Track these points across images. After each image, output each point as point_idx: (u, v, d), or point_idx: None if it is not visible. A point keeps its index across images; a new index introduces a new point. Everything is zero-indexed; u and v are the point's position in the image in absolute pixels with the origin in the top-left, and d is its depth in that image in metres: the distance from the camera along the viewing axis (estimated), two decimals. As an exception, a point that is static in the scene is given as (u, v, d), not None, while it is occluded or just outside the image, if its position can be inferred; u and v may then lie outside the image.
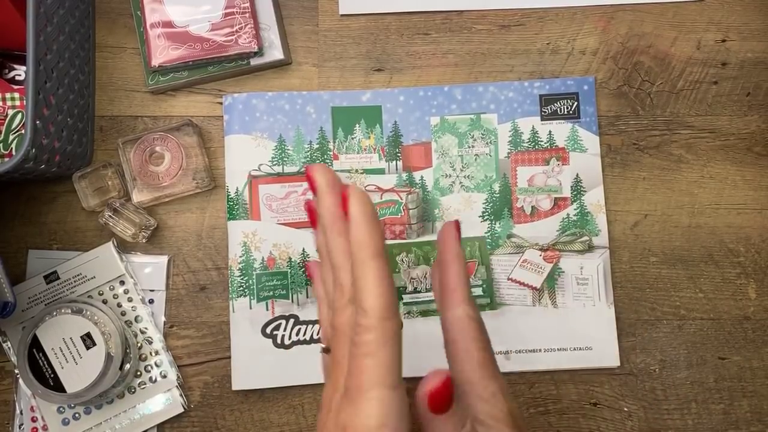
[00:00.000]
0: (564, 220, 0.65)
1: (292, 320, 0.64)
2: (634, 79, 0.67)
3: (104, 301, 0.64)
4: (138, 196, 0.64)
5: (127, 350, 0.61)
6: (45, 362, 0.59)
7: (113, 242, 0.64)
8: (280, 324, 0.64)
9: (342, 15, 0.67)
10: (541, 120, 0.66)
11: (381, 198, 0.65)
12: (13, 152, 0.62)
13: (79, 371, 0.59)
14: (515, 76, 0.67)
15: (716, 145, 0.66)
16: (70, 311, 0.60)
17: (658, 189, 0.66)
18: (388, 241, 0.64)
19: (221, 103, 0.66)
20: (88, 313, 0.60)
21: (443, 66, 0.67)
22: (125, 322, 0.64)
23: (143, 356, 0.64)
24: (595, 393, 0.64)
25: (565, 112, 0.65)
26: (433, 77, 0.67)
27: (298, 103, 0.65)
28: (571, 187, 0.65)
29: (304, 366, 0.63)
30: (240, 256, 0.64)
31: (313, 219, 0.44)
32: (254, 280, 0.64)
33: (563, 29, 0.67)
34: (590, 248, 0.65)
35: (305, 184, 0.64)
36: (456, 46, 0.67)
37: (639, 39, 0.67)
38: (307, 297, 0.64)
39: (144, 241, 0.64)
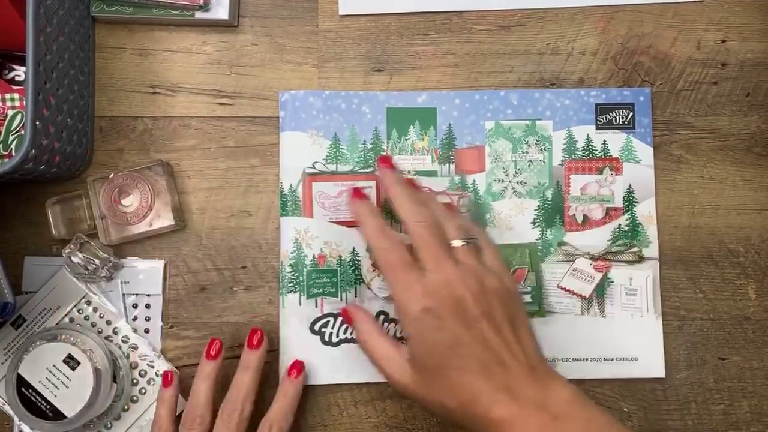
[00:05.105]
0: (615, 230, 0.65)
1: (340, 318, 0.64)
2: (634, 80, 0.67)
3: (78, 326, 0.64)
4: (106, 235, 0.64)
5: (115, 361, 0.61)
6: (37, 396, 0.58)
7: (65, 267, 0.64)
8: (328, 321, 0.64)
9: (342, 15, 0.67)
10: (596, 129, 0.65)
11: None
12: (13, 153, 0.62)
13: (72, 393, 0.58)
14: (515, 77, 0.67)
15: (716, 145, 0.66)
16: (45, 341, 0.59)
17: (658, 189, 0.66)
18: None
19: (222, 104, 0.67)
20: (64, 336, 0.59)
21: (443, 66, 0.67)
22: (105, 337, 0.63)
23: (134, 364, 0.64)
24: (594, 393, 0.64)
25: (621, 122, 0.65)
26: (433, 78, 0.67)
27: (354, 102, 0.66)
28: (624, 197, 0.65)
29: (351, 364, 0.63)
30: (291, 252, 0.64)
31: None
32: (305, 277, 0.64)
33: (563, 29, 0.67)
34: (640, 259, 0.64)
35: (358, 183, 0.65)
36: (456, 47, 0.67)
37: (639, 39, 0.67)
38: (356, 296, 0.64)
39: (104, 277, 0.63)
